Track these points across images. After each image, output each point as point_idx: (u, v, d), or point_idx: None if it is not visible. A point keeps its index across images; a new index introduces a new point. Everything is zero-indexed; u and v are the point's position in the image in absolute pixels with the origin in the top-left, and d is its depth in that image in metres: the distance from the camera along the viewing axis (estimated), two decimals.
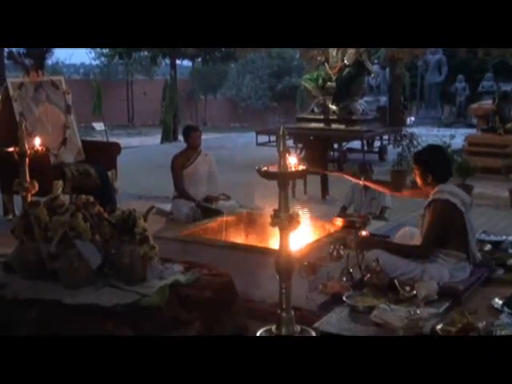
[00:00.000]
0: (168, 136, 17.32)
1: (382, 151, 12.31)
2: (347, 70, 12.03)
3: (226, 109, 28.23)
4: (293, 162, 2.95)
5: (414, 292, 3.68)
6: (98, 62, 27.44)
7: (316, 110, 12.66)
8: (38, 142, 4.96)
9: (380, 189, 5.25)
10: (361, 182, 5.06)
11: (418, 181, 4.15)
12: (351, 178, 5.06)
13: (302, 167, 2.99)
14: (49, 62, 22.31)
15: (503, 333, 3.11)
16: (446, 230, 3.91)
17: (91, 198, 3.49)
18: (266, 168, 2.98)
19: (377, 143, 12.95)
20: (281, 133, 2.90)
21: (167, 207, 6.39)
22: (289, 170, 2.91)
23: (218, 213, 5.62)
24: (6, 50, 6.74)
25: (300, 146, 10.86)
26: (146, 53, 24.94)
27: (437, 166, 4.05)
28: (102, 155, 6.86)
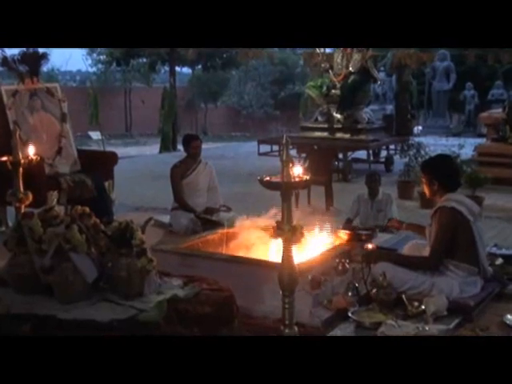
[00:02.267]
0: (167, 145, 17.35)
1: (389, 161, 12.32)
2: (352, 77, 12.06)
3: (226, 117, 28.28)
4: (297, 171, 2.95)
5: (423, 307, 3.67)
6: (94, 69, 27.50)
7: (320, 118, 12.69)
8: (32, 151, 4.96)
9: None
10: (403, 229, 4.80)
11: (426, 190, 4.16)
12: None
13: (305, 177, 2.99)
14: (44, 68, 22.40)
15: None
16: (453, 238, 3.91)
17: (87, 210, 3.48)
18: (268, 178, 2.98)
19: (383, 153, 12.96)
20: (284, 141, 2.91)
21: (166, 219, 6.39)
22: (292, 179, 2.90)
23: (218, 225, 5.61)
24: (0, 56, 6.73)
25: (303, 155, 10.88)
26: (144, 60, 25.03)
27: (444, 175, 4.06)
28: (99, 165, 6.87)
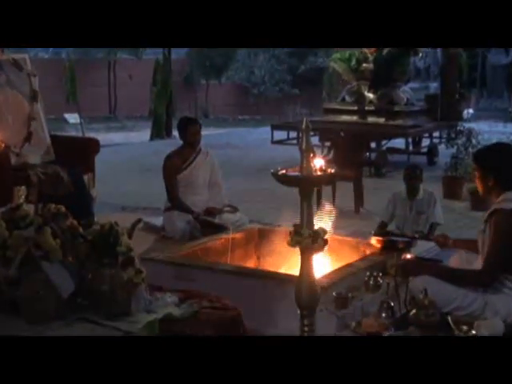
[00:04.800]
0: (159, 131, 17.41)
1: (432, 152, 12.29)
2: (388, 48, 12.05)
3: (232, 96, 28.33)
4: (319, 164, 2.95)
5: (473, 332, 3.66)
6: None
7: (348, 98, 12.69)
8: None
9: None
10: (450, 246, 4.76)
11: (479, 187, 4.14)
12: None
13: (329, 170, 2.99)
14: None
15: None
16: None
17: (62, 209, 3.50)
18: (284, 171, 2.98)
19: (425, 142, 12.93)
20: (304, 127, 2.91)
21: (158, 221, 6.40)
22: (313, 173, 2.91)
23: (221, 228, 5.62)
24: None
25: (328, 144, 10.87)
26: None
27: (502, 169, 4.03)
28: (77, 155, 6.90)
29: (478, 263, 4.09)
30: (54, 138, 7.14)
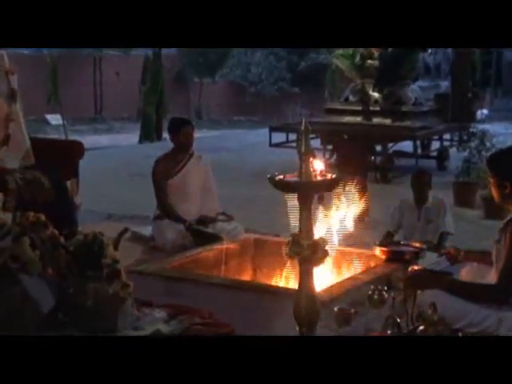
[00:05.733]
0: (149, 133, 17.43)
1: (443, 156, 12.31)
2: None
3: (228, 96, 28.37)
4: (320, 168, 2.95)
5: None
6: None
7: (352, 98, 12.71)
8: None
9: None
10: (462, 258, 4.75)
11: (494, 194, 4.15)
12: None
13: (331, 175, 2.99)
14: None
15: None
16: None
17: (42, 217, 3.50)
18: (281, 176, 2.98)
19: (435, 145, 12.94)
20: (303, 128, 2.91)
21: (147, 230, 6.40)
22: (313, 179, 2.91)
23: (215, 238, 5.62)
24: None
25: (330, 147, 10.90)
26: None
27: None
28: (59, 159, 6.89)
29: (491, 276, 4.10)
30: (34, 140, 7.12)
